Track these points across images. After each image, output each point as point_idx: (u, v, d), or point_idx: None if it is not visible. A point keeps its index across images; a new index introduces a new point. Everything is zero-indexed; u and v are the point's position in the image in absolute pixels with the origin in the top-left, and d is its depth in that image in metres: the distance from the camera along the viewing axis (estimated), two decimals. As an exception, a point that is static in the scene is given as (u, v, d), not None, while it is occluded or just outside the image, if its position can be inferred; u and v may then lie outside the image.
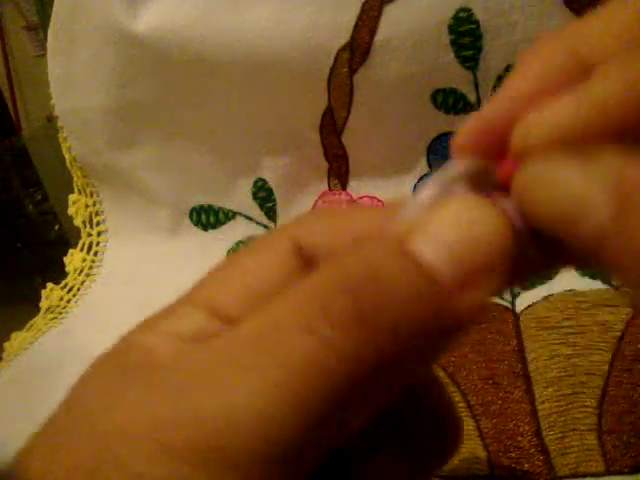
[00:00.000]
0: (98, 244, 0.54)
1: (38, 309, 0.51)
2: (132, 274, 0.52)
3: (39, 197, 0.76)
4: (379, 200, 0.49)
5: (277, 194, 0.52)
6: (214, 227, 0.53)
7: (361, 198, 0.50)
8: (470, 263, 0.14)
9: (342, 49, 0.44)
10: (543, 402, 0.35)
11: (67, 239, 0.64)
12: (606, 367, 0.36)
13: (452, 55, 0.43)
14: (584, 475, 0.32)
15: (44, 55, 0.50)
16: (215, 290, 0.16)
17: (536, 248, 0.15)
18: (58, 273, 0.53)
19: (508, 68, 0.43)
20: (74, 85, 0.50)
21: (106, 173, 0.53)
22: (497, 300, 0.42)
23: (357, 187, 0.50)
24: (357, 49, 0.44)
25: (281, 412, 0.12)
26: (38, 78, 0.62)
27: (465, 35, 0.42)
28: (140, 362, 0.14)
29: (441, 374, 0.38)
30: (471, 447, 0.34)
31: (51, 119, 0.54)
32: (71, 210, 0.55)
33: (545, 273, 0.17)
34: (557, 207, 0.14)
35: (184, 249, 0.52)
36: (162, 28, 0.45)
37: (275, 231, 0.19)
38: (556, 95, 0.15)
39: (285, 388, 0.12)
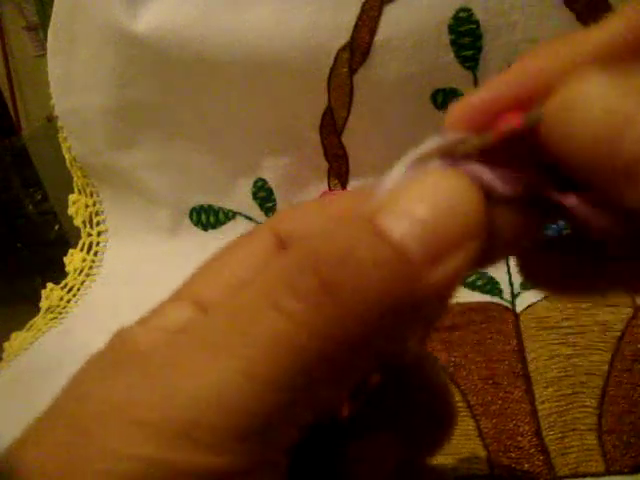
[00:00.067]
0: (98, 244, 0.54)
1: (38, 309, 0.51)
2: (132, 274, 0.52)
3: (39, 197, 0.76)
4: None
5: (277, 194, 0.52)
6: (214, 227, 0.53)
7: (361, 198, 0.50)
8: (440, 237, 0.13)
9: (342, 49, 0.44)
10: (543, 402, 0.35)
11: (67, 239, 0.64)
12: (606, 367, 0.36)
13: (452, 55, 0.43)
14: (584, 475, 0.32)
15: (44, 55, 0.50)
16: (201, 284, 0.16)
17: (532, 205, 0.14)
18: (58, 273, 0.53)
19: (508, 68, 0.43)
20: (74, 85, 0.50)
21: (106, 173, 0.53)
22: (497, 300, 0.42)
23: (357, 187, 0.50)
24: (357, 49, 0.43)
25: (252, 389, 0.13)
26: (38, 78, 0.62)
27: (465, 35, 0.42)
28: (126, 354, 0.15)
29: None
30: (471, 447, 0.34)
31: (51, 119, 0.54)
32: (71, 210, 0.55)
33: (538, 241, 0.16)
34: (594, 124, 0.13)
35: (184, 249, 0.52)
36: (162, 28, 0.45)
37: (257, 226, 0.19)
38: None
39: (255, 365, 0.13)
